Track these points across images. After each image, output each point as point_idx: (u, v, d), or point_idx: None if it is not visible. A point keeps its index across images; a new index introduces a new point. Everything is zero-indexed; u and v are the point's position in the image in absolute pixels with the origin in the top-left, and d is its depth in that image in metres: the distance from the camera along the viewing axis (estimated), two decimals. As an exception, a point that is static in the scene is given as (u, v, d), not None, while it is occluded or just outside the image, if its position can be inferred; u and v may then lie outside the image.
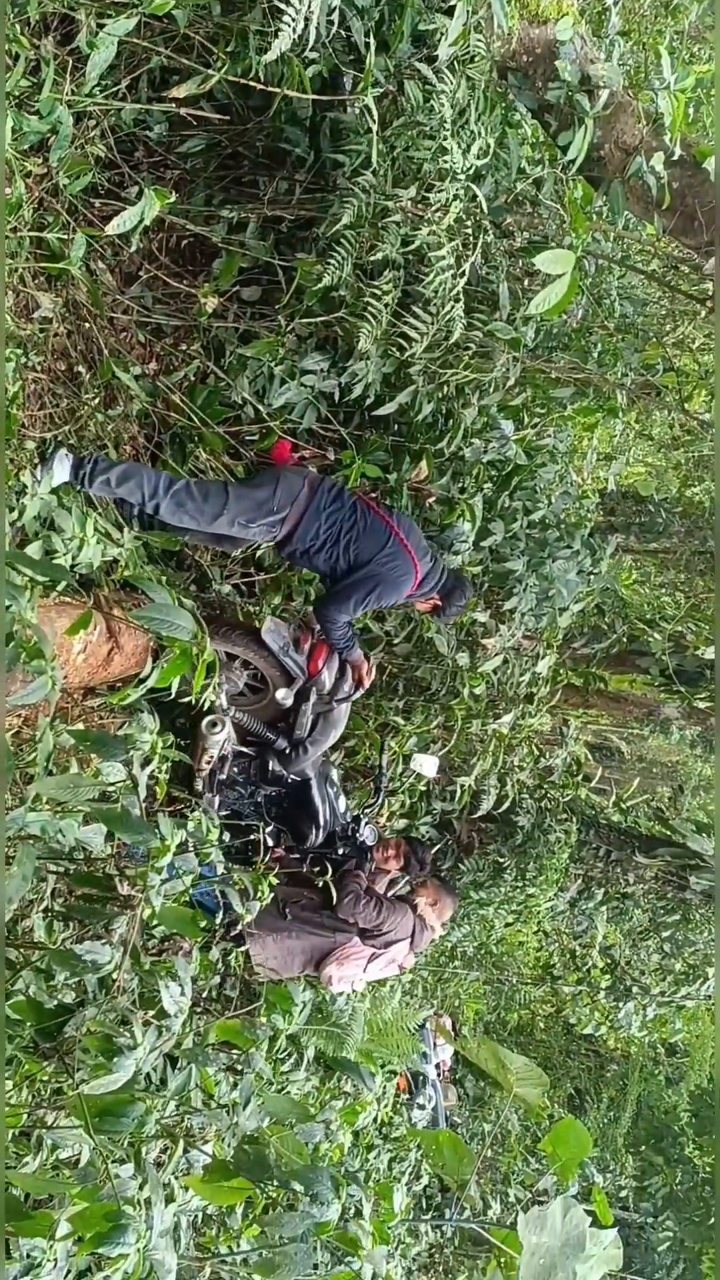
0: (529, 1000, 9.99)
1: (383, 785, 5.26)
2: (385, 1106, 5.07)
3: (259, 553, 4.97)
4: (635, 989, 7.51)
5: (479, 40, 3.78)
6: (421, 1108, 8.82)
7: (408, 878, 5.16)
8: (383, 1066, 5.29)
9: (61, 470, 3.68)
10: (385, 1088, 5.27)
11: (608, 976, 7.60)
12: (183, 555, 4.77)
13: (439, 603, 4.52)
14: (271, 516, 4.07)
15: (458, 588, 4.51)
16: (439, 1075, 9.92)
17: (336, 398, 4.58)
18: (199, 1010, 2.88)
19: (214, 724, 4.14)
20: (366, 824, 4.90)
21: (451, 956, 7.59)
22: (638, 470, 10.22)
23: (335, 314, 4.28)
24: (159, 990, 2.23)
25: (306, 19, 2.65)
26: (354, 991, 4.73)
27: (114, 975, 2.17)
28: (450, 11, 3.62)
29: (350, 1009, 4.92)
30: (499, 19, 3.66)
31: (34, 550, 2.83)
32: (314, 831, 4.74)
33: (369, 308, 4.17)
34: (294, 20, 2.62)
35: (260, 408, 4.43)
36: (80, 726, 3.64)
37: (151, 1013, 2.18)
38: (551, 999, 9.36)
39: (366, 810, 5.05)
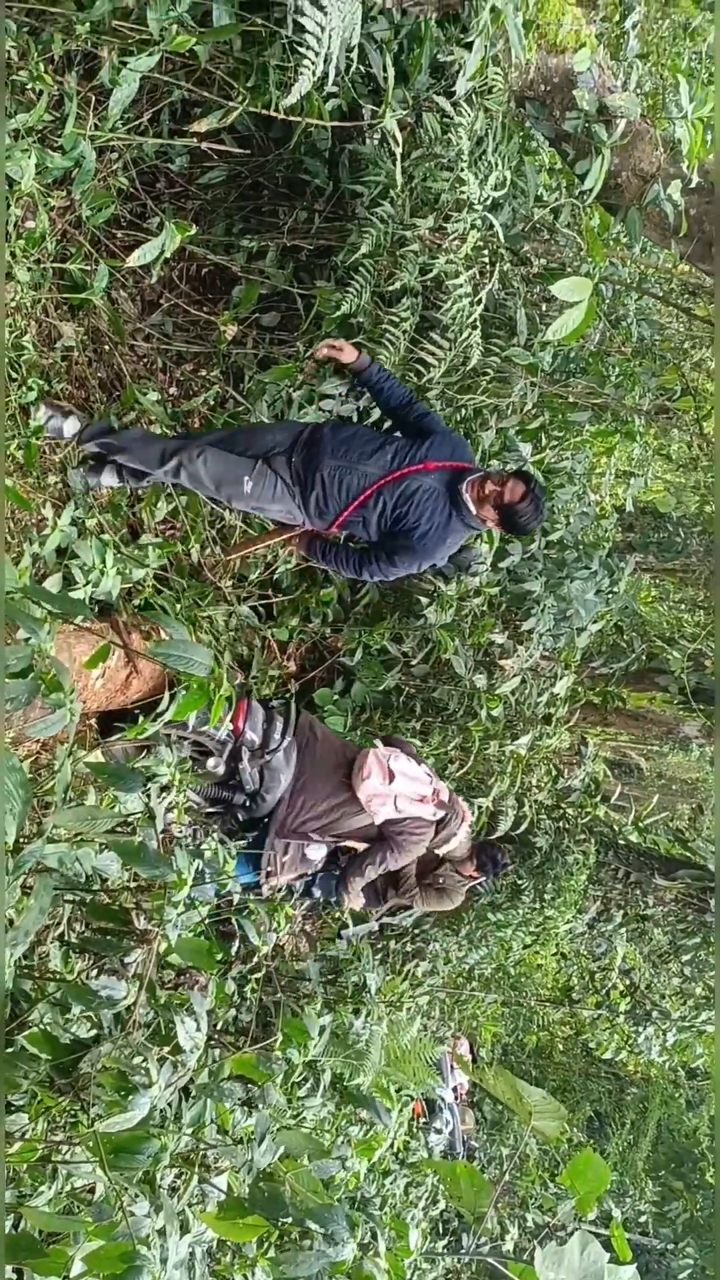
0: (548, 1023, 9.92)
1: None
2: (401, 1133, 5.03)
3: (275, 575, 4.99)
4: (655, 1013, 7.44)
5: (496, 72, 3.81)
6: (439, 1131, 8.78)
7: (485, 881, 5.10)
8: (399, 1092, 5.25)
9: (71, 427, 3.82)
10: (402, 1114, 5.23)
11: (627, 999, 7.53)
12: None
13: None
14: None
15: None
16: (456, 1099, 9.87)
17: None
18: (214, 1043, 2.88)
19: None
20: None
21: (469, 978, 7.53)
22: (656, 488, 10.18)
23: (354, 340, 4.31)
24: (175, 1024, 2.24)
25: (326, 58, 2.67)
26: (396, 810, 4.50)
27: (130, 1010, 2.17)
28: (469, 46, 3.65)
29: (368, 1033, 4.89)
30: (516, 50, 3.68)
31: (53, 583, 2.86)
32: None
33: (387, 334, 4.20)
34: (313, 63, 2.65)
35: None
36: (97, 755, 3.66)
37: (167, 1048, 2.19)
38: (570, 1021, 9.29)
39: None
